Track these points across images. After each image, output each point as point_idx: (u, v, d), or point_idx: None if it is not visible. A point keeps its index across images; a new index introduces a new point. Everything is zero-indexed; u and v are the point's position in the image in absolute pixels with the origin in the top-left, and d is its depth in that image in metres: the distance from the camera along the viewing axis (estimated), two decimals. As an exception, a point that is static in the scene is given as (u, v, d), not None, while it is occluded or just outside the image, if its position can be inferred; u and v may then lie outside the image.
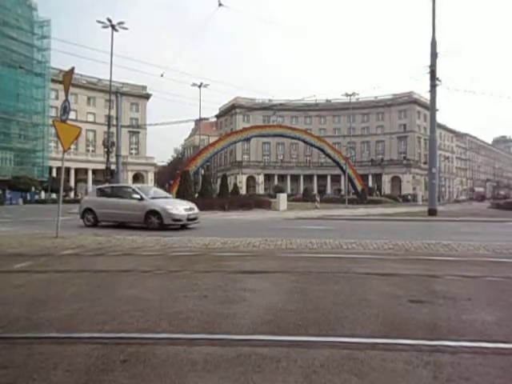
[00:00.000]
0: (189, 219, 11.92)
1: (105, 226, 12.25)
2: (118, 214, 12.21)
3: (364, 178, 56.47)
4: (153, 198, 12.35)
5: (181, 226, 11.79)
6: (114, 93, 36.01)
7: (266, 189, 71.03)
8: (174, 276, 4.85)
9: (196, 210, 12.54)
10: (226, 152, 70.88)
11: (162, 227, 11.31)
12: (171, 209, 11.62)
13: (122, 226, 12.13)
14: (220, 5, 21.71)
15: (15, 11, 46.09)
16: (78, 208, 14.04)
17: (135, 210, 11.81)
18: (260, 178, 74.56)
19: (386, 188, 70.87)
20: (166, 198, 13.29)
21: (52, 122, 9.54)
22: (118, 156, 30.37)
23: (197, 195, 29.20)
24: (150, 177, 66.62)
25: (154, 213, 11.52)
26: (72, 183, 55.39)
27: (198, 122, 56.14)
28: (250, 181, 74.58)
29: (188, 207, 12.27)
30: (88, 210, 12.70)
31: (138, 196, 12.05)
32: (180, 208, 11.89)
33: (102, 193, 13.30)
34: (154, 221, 11.46)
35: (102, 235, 9.04)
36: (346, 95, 58.59)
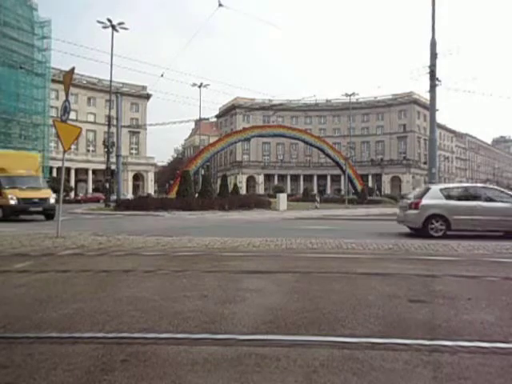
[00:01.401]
0: None
1: (465, 237, 9.27)
2: (484, 221, 9.89)
3: (364, 177, 56.47)
4: None
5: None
6: (114, 93, 36.10)
7: (265, 189, 71.03)
8: (174, 276, 4.85)
9: None
10: (226, 152, 70.88)
11: None
12: None
13: (483, 235, 9.78)
14: (220, 5, 21.68)
15: (15, 11, 46.00)
16: (412, 215, 10.27)
17: None
18: (260, 178, 74.60)
19: (386, 188, 70.86)
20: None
21: (52, 122, 9.54)
22: (118, 156, 30.45)
23: (197, 195, 29.17)
24: (150, 177, 66.62)
25: None
26: (72, 183, 55.40)
27: (198, 122, 56.25)
28: (250, 181, 74.62)
29: None
30: (435, 217, 9.96)
31: None
32: None
33: (450, 194, 10.60)
34: None
35: (103, 235, 9.03)
36: (346, 95, 58.81)
